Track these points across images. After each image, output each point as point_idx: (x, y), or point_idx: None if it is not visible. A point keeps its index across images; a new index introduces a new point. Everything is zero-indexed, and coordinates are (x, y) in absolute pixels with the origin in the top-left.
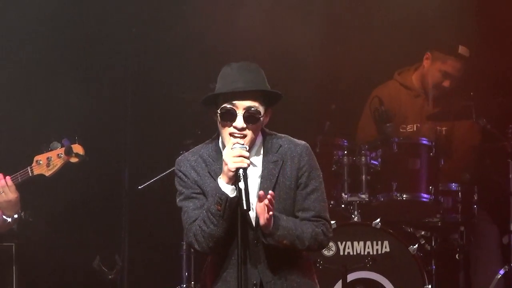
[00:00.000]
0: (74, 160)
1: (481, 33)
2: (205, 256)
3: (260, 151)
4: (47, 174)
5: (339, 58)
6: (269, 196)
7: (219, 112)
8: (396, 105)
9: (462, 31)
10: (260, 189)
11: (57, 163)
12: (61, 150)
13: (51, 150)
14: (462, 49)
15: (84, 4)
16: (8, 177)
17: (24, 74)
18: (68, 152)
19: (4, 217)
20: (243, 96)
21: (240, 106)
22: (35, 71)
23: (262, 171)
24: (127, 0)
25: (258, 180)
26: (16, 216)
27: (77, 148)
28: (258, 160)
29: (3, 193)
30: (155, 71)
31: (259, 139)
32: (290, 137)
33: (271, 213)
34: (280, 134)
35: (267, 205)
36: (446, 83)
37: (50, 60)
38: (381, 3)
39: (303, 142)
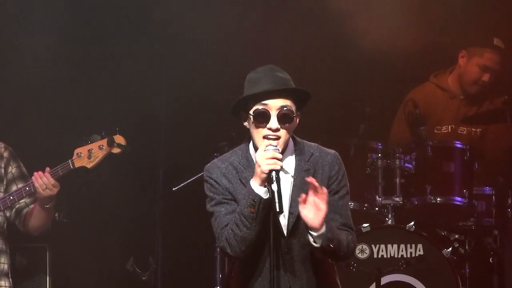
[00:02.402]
0: (116, 150)
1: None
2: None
3: (292, 158)
4: (89, 166)
5: (374, 61)
6: (325, 190)
7: (252, 114)
8: (432, 107)
9: (495, 28)
10: (292, 197)
11: (99, 154)
12: (103, 142)
13: (91, 142)
14: (497, 41)
15: (118, 2)
16: (47, 174)
17: (62, 71)
18: (111, 143)
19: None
20: (274, 96)
21: (273, 106)
22: (72, 68)
23: (294, 180)
24: (161, 1)
25: (290, 188)
26: (52, 202)
27: (119, 139)
28: (290, 167)
29: (47, 189)
30: (190, 72)
31: (291, 145)
32: (319, 145)
33: (325, 210)
34: (309, 142)
35: (320, 202)
36: (485, 77)
37: (86, 58)
38: (412, 6)
39: (333, 151)
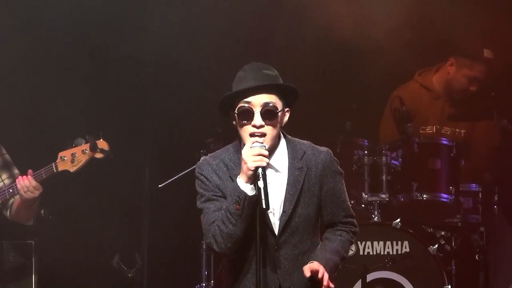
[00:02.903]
0: (99, 155)
1: (503, 33)
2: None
3: (285, 157)
4: (72, 170)
5: (360, 58)
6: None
7: (236, 112)
8: (417, 106)
9: (484, 31)
10: (285, 196)
11: (82, 159)
12: (85, 146)
13: (75, 146)
14: (487, 53)
15: (105, 1)
16: (29, 177)
17: (47, 72)
18: (93, 148)
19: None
20: (257, 92)
21: (256, 103)
22: (58, 68)
23: (288, 178)
24: None
25: (284, 187)
26: (36, 203)
27: (102, 144)
28: (283, 166)
29: (28, 192)
30: (177, 69)
31: (283, 143)
32: (311, 143)
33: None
34: (302, 140)
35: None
36: (473, 88)
37: (72, 57)
38: (401, 4)
39: (326, 149)
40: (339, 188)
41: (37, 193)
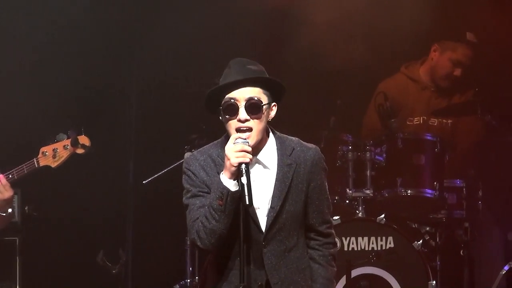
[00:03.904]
0: (80, 151)
1: (487, 27)
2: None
3: (274, 153)
4: (53, 165)
5: (344, 53)
6: None
7: (221, 108)
8: (404, 98)
9: (468, 21)
10: (273, 192)
11: (63, 154)
12: (67, 142)
13: (57, 141)
14: (469, 36)
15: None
16: (1, 176)
17: (29, 66)
18: (74, 143)
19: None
20: (241, 87)
21: (241, 98)
22: (40, 62)
23: (277, 174)
24: None
25: (273, 183)
26: (10, 210)
27: (83, 139)
28: (273, 162)
29: None
30: (161, 65)
31: (272, 139)
32: (300, 140)
33: None
34: (290, 137)
35: None
36: (457, 72)
37: (55, 52)
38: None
39: (314, 146)
40: (324, 186)
41: (6, 194)
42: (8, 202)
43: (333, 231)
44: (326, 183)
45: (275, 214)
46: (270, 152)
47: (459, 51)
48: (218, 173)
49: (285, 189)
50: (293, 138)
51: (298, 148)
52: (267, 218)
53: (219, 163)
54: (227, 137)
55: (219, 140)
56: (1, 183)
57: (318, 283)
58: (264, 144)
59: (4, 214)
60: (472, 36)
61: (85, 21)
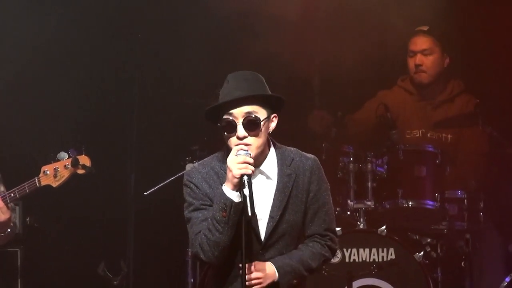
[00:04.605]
0: (80, 171)
1: (487, 39)
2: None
3: (274, 164)
4: (54, 185)
5: (344, 66)
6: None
7: (220, 126)
8: (401, 111)
9: (465, 34)
10: (273, 202)
11: (64, 174)
12: (67, 161)
13: (58, 160)
14: (420, 27)
15: (88, 10)
16: None
17: (29, 84)
18: (75, 164)
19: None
20: (238, 104)
21: (238, 115)
22: (40, 80)
23: (277, 184)
24: (132, 4)
25: (273, 193)
26: (9, 230)
27: (84, 160)
28: (273, 172)
29: None
30: (161, 77)
31: (272, 150)
32: (298, 150)
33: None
34: (289, 147)
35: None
36: (418, 60)
37: (55, 69)
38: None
39: (312, 156)
40: (323, 197)
41: (3, 217)
42: (6, 223)
43: (336, 238)
44: (328, 197)
45: (274, 224)
46: (271, 163)
47: (412, 42)
48: (221, 186)
49: (285, 199)
50: (292, 148)
51: (297, 158)
52: (266, 227)
53: (222, 175)
54: (228, 149)
55: (220, 152)
56: None
57: (301, 250)
58: (266, 156)
59: (3, 234)
60: (423, 26)
61: (86, 38)
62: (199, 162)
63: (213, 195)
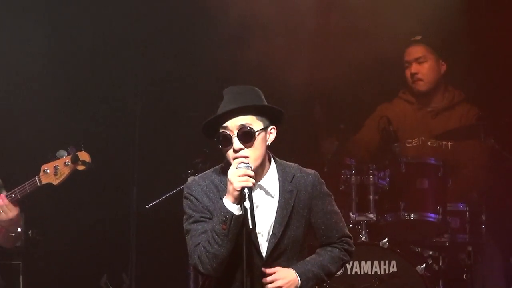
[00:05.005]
0: (81, 167)
1: (489, 45)
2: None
3: (275, 180)
4: (55, 183)
5: (347, 79)
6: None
7: (216, 140)
8: (402, 121)
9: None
10: (275, 219)
11: (64, 171)
12: (67, 158)
13: (58, 158)
14: (413, 38)
15: (94, 19)
16: (2, 195)
17: (31, 84)
18: (75, 160)
19: (10, 234)
20: (232, 117)
21: (233, 127)
22: (41, 80)
23: (279, 201)
24: (137, 17)
25: (275, 209)
26: (19, 230)
27: (83, 155)
28: (274, 188)
29: (2, 213)
30: (164, 89)
31: (273, 167)
32: (298, 165)
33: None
34: (289, 163)
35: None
36: (414, 69)
37: (59, 70)
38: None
39: (313, 171)
40: (330, 210)
41: (11, 214)
42: (16, 221)
43: (351, 240)
44: (333, 207)
45: (276, 240)
46: (271, 179)
47: (406, 52)
48: (221, 199)
49: (287, 215)
50: (292, 164)
51: (298, 174)
52: (268, 243)
53: (222, 189)
54: (227, 162)
55: (220, 165)
56: (3, 203)
57: (321, 255)
58: (267, 170)
59: (13, 234)
60: (417, 36)
61: (89, 40)
62: (199, 175)
63: (213, 208)
